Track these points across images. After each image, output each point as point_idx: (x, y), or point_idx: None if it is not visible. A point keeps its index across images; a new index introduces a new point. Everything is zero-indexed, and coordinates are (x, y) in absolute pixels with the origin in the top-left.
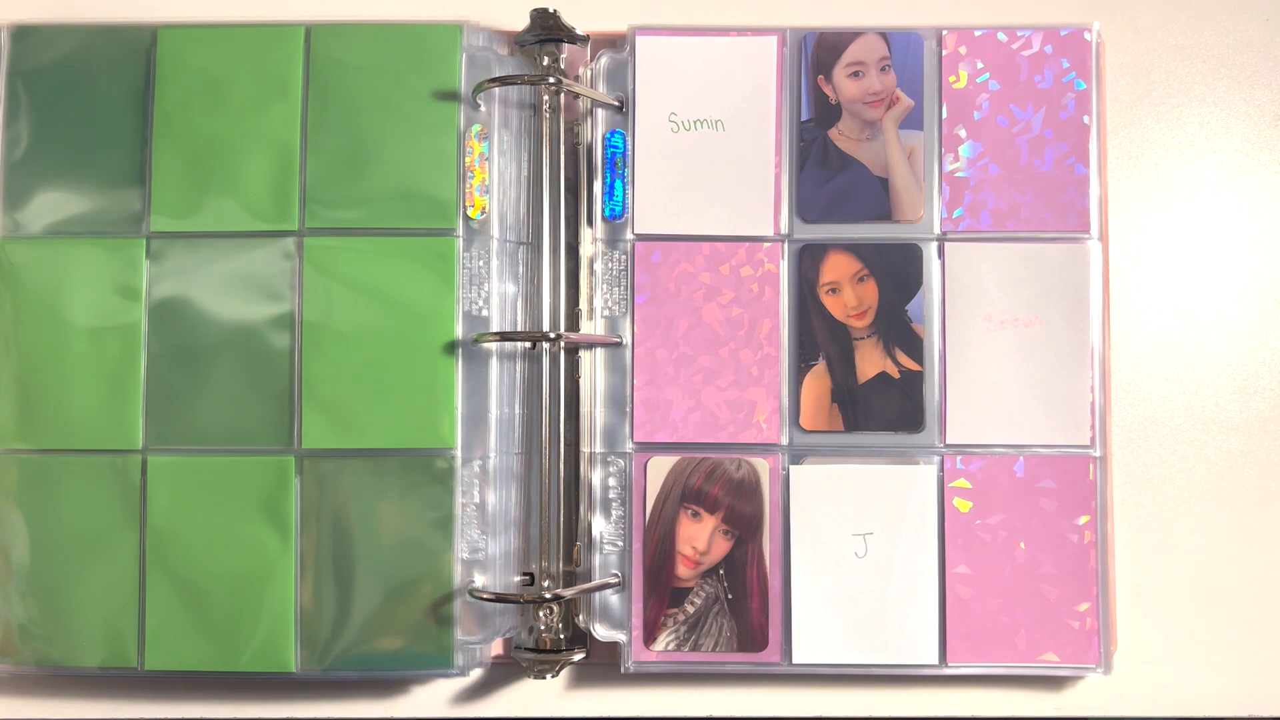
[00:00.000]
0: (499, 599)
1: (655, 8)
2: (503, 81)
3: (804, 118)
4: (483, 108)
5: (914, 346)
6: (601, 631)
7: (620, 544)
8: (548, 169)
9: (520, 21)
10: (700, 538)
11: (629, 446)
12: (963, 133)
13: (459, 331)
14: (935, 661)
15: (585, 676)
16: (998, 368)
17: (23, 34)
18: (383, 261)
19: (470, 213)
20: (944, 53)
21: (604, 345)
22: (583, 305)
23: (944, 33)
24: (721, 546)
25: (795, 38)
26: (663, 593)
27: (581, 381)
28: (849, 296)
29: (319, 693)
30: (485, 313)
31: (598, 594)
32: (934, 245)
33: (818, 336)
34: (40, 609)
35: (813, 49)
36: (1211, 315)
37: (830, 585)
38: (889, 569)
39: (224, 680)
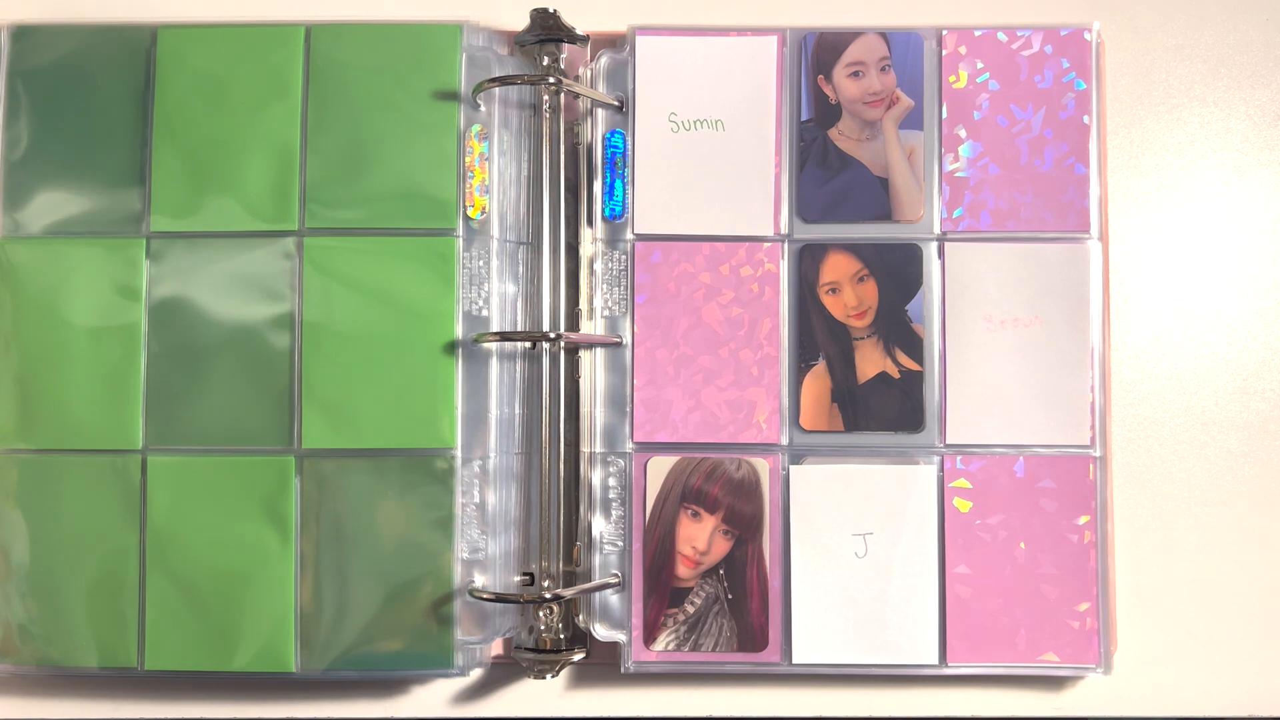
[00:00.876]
0: (499, 599)
1: (655, 8)
2: (503, 81)
3: (804, 118)
4: (483, 108)
5: (914, 346)
6: (601, 631)
7: (620, 544)
8: (548, 169)
9: (520, 21)
10: (700, 538)
11: (629, 446)
12: (963, 133)
13: (459, 331)
14: (935, 661)
15: (585, 676)
16: (998, 368)
17: (23, 34)
18: (383, 261)
19: (470, 213)
20: (944, 53)
21: (604, 345)
22: (583, 305)
23: (944, 33)
24: (721, 546)
25: (795, 38)
26: (663, 593)
27: (581, 381)
28: (849, 296)
29: (319, 693)
30: (485, 313)
31: (598, 594)
32: (934, 245)
33: (818, 336)
34: (40, 609)
35: (813, 49)
36: (1211, 315)
37: (830, 585)
38: (889, 569)
39: (224, 680)
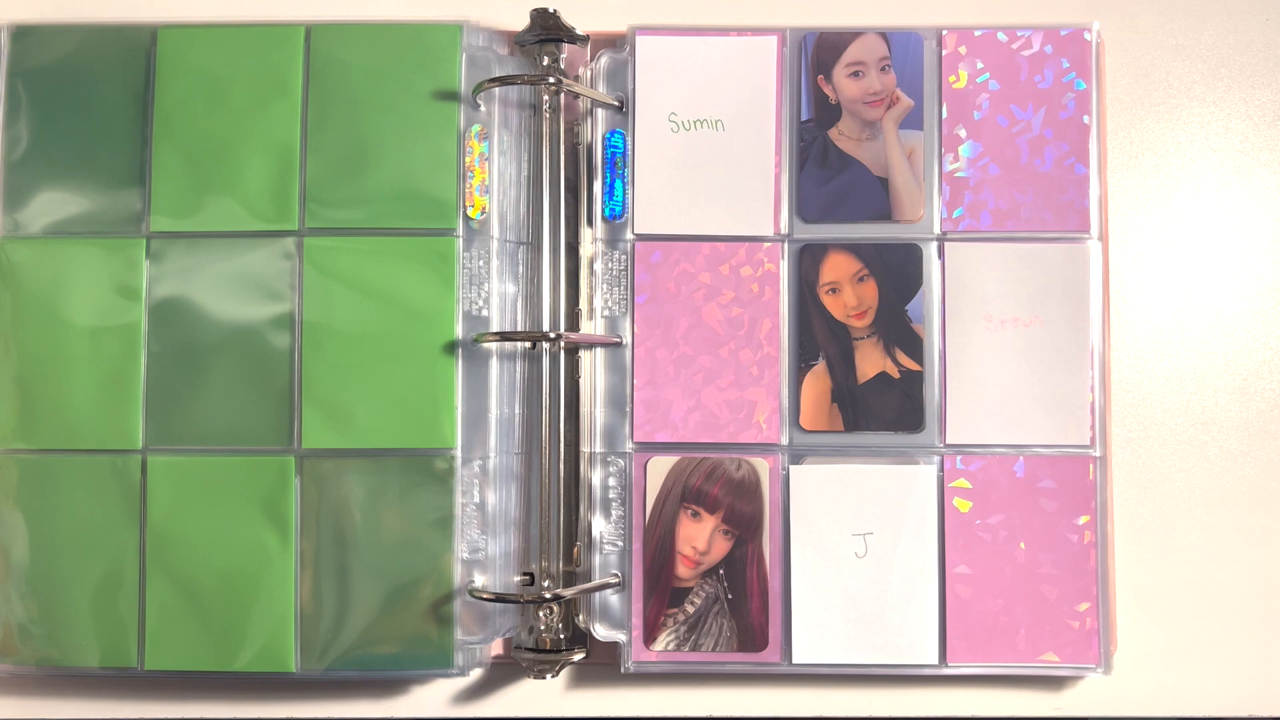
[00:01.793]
0: (499, 599)
1: (655, 8)
2: (503, 81)
3: (804, 118)
4: (483, 108)
5: (914, 346)
6: (601, 631)
7: (620, 544)
8: (548, 169)
9: (520, 21)
10: (700, 538)
11: (629, 446)
12: (963, 133)
13: (459, 331)
14: (935, 661)
15: (585, 676)
16: (998, 368)
17: (23, 34)
18: (383, 261)
19: (470, 213)
20: (944, 53)
21: (604, 345)
22: (583, 305)
23: (944, 33)
24: (721, 546)
25: (795, 38)
26: (663, 593)
27: (581, 381)
28: (849, 296)
29: (319, 693)
30: (485, 313)
31: (598, 594)
32: (934, 245)
33: (818, 336)
34: (40, 609)
35: (813, 49)
36: (1211, 315)
37: (830, 585)
38: (889, 569)
39: (224, 680)
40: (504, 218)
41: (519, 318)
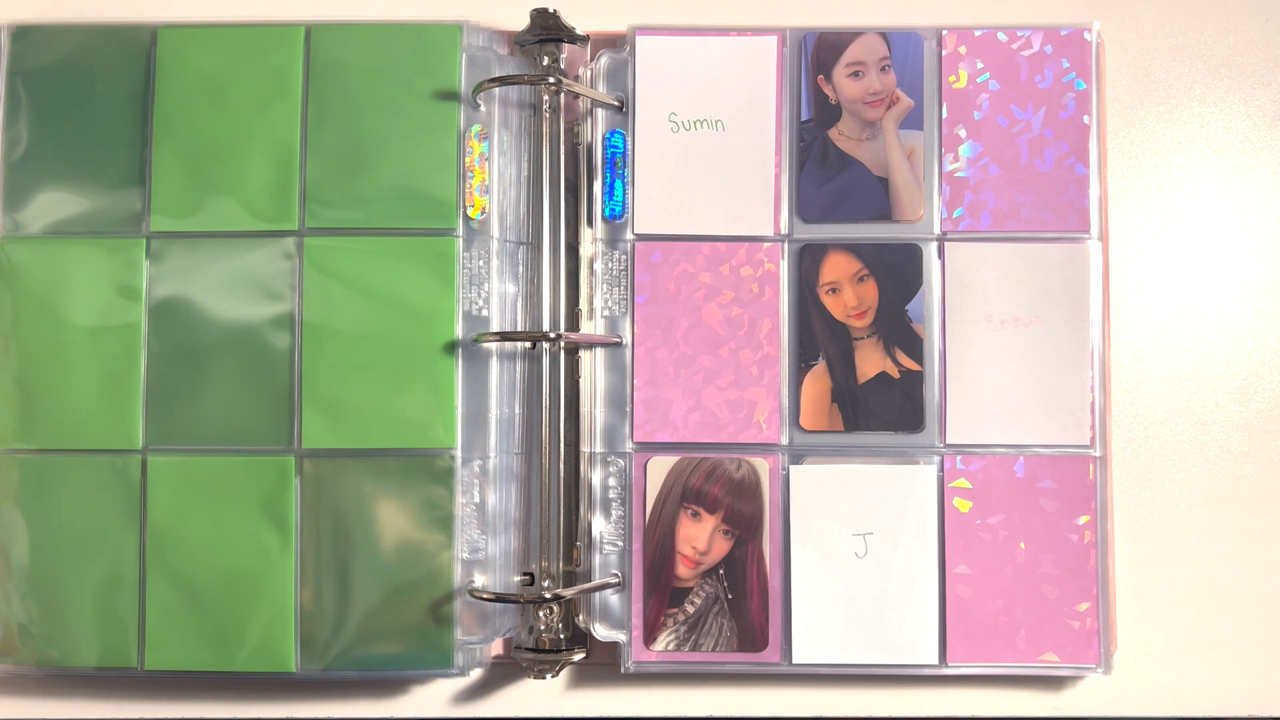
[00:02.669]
0: (499, 599)
1: (655, 8)
2: (503, 81)
3: (804, 118)
4: (483, 108)
5: (914, 346)
6: (601, 631)
7: (620, 544)
8: (548, 169)
9: (520, 21)
10: (700, 538)
11: (629, 446)
12: (963, 133)
13: (459, 331)
14: (935, 661)
15: (585, 676)
16: (998, 368)
17: (23, 34)
18: (383, 261)
19: (470, 213)
20: (944, 53)
21: (604, 345)
22: (583, 305)
23: (944, 33)
24: (721, 546)
25: (795, 38)
26: (663, 593)
27: (581, 381)
28: (849, 296)
29: (319, 693)
30: (485, 313)
31: (598, 594)
32: (934, 245)
33: (818, 336)
34: (40, 609)
35: (813, 49)
36: (1211, 315)
37: (830, 585)
38: (889, 569)
39: (224, 680)
40: (504, 218)
41: (519, 318)
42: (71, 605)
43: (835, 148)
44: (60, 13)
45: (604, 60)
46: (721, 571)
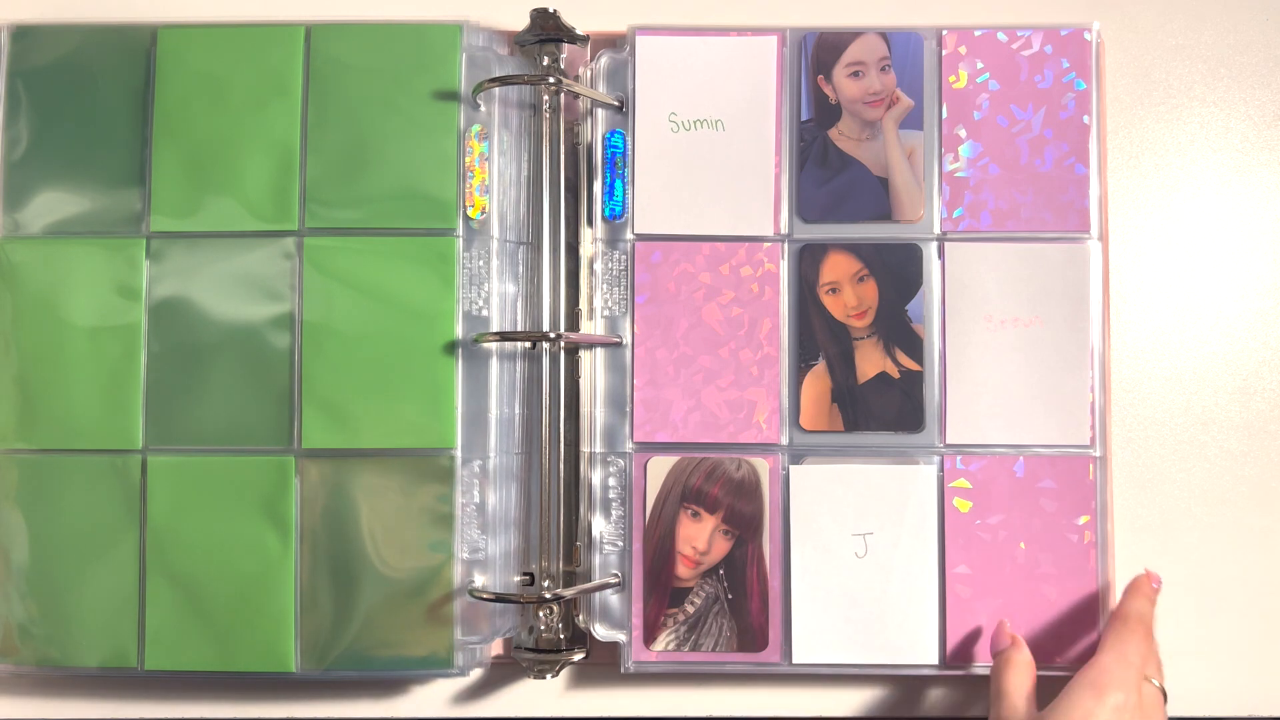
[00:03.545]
0: (499, 599)
1: (655, 8)
2: (503, 81)
3: (804, 118)
4: (483, 108)
5: (914, 346)
6: (601, 631)
7: (620, 544)
8: (548, 169)
9: (520, 21)
10: (700, 538)
11: (629, 446)
12: (963, 133)
13: (459, 331)
14: (935, 661)
15: (585, 676)
16: (998, 368)
17: (23, 34)
18: (383, 261)
19: (470, 213)
20: (944, 53)
21: (604, 345)
22: (583, 305)
23: (944, 33)
24: (721, 546)
25: (795, 38)
26: (663, 593)
27: (581, 381)
28: (849, 296)
29: (319, 693)
30: (485, 313)
31: (598, 594)
32: (934, 245)
33: (818, 336)
34: (40, 609)
35: (813, 49)
36: (1211, 315)
37: (830, 585)
38: (889, 569)
39: (224, 680)
40: (504, 218)
41: (519, 318)
42: (71, 605)
43: (835, 148)
44: (60, 13)
45: (604, 60)
46: (721, 571)
